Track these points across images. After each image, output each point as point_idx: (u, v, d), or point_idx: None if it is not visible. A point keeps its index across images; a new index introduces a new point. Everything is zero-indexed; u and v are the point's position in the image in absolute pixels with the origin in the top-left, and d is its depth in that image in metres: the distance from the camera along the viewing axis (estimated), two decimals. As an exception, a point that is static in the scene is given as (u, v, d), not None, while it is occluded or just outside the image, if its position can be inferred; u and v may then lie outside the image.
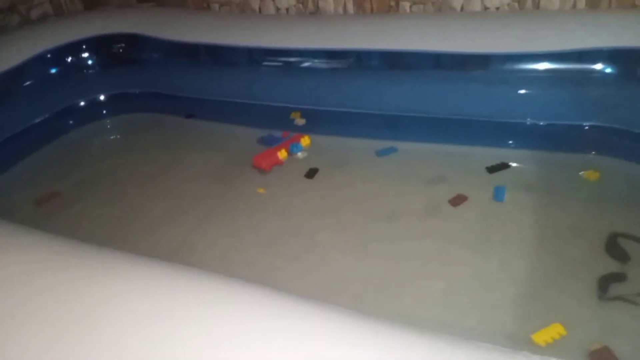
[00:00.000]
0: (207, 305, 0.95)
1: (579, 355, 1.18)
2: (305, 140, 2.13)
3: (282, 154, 2.06)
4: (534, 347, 1.21)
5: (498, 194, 1.73)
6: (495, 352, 0.82)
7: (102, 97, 2.74)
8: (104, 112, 2.71)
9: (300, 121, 2.34)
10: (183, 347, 0.87)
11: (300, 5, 2.55)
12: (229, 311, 0.93)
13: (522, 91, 2.02)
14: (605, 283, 1.36)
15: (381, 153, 2.04)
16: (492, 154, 1.93)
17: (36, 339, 0.93)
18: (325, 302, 0.96)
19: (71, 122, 2.62)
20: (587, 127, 1.96)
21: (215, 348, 0.87)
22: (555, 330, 1.24)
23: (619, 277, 1.38)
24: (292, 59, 2.35)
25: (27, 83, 2.49)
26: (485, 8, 2.23)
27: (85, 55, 2.66)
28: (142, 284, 1.03)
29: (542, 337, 1.23)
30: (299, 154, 2.08)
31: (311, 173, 1.98)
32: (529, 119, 2.03)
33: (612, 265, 1.42)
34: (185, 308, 0.95)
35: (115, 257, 1.13)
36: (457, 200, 1.74)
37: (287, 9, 2.59)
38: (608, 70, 1.90)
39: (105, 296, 1.00)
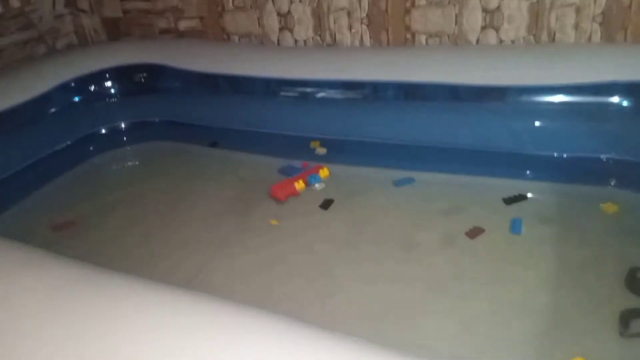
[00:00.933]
0: (227, 335, 0.95)
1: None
2: (324, 172, 2.13)
3: (299, 185, 2.07)
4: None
5: (515, 227, 1.73)
6: None
7: (123, 125, 2.79)
8: (125, 139, 2.77)
9: (321, 150, 2.36)
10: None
11: (318, 38, 2.60)
12: (251, 341, 0.93)
13: (539, 123, 2.03)
14: (626, 319, 1.34)
15: (399, 183, 2.05)
16: (509, 186, 1.93)
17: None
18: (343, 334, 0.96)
19: (92, 149, 2.68)
20: (604, 160, 1.96)
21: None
22: None
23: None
24: (310, 90, 2.39)
25: (51, 111, 2.56)
26: (501, 41, 2.26)
27: (108, 84, 2.73)
28: (159, 311, 1.04)
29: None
30: (317, 185, 2.08)
31: (326, 204, 1.98)
32: (546, 151, 2.03)
33: (632, 300, 1.40)
34: (204, 338, 0.95)
35: (134, 283, 1.14)
36: (474, 233, 1.73)
37: (305, 41, 2.64)
38: (625, 103, 1.91)
39: (122, 322, 1.01)
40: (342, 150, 2.35)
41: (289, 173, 2.17)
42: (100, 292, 1.09)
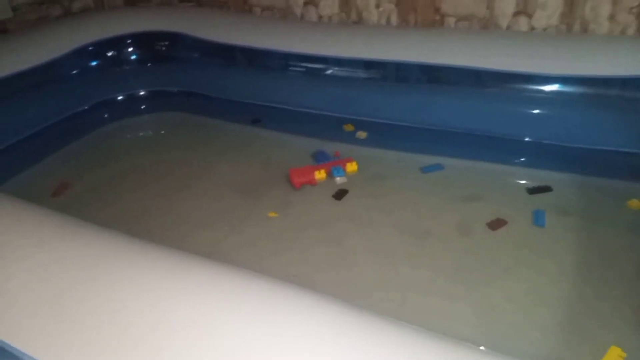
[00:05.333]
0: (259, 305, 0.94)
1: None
2: (351, 166, 1.99)
3: (319, 174, 1.95)
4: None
5: (538, 218, 1.71)
6: None
7: (140, 93, 2.75)
8: (142, 107, 2.73)
9: (362, 135, 2.26)
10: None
11: (344, 14, 2.54)
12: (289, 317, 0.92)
13: (569, 114, 2.00)
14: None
15: (426, 170, 2.01)
16: (534, 176, 1.92)
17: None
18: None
19: (106, 115, 2.65)
20: (633, 155, 1.93)
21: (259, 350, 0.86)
22: (615, 353, 1.22)
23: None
24: (337, 68, 2.35)
25: (67, 75, 2.52)
26: (532, 28, 2.21)
27: (126, 50, 2.68)
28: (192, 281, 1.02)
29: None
30: (338, 179, 1.96)
31: (340, 194, 1.90)
32: (574, 143, 2.00)
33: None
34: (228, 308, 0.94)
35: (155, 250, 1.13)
36: (496, 224, 1.71)
37: (329, 17, 2.59)
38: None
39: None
40: (374, 133, 2.28)
41: (319, 159, 2.09)
42: (135, 262, 1.07)
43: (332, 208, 1.85)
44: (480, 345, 1.24)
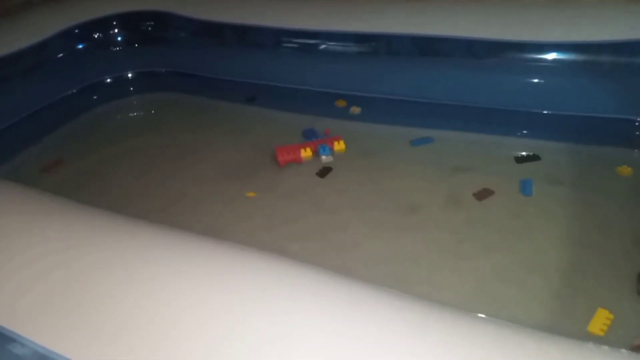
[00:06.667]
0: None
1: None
2: (339, 145, 1.97)
3: (305, 152, 1.94)
4: (593, 338, 1.20)
5: (525, 187, 1.70)
6: (566, 343, 0.79)
7: (129, 75, 2.73)
8: (131, 89, 2.71)
9: (356, 110, 2.24)
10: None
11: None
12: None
13: (557, 81, 1.97)
14: (642, 280, 1.33)
15: (416, 143, 2.00)
16: (524, 145, 1.91)
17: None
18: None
19: (96, 98, 2.63)
20: (622, 121, 1.91)
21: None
22: (603, 315, 1.24)
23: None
24: (322, 42, 2.31)
25: (54, 58, 2.50)
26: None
27: (113, 32, 2.65)
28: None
29: (596, 326, 1.22)
30: (324, 157, 1.93)
31: (324, 172, 1.89)
32: (562, 111, 1.98)
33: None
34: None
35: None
36: (484, 194, 1.71)
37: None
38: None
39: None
40: (365, 108, 2.26)
41: (308, 137, 2.07)
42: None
43: (316, 186, 1.85)
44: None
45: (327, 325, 0.82)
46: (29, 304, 0.94)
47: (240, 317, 0.85)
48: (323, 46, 2.32)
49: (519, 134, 2.02)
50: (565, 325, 1.26)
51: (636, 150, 1.83)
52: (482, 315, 0.95)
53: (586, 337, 1.21)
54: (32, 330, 0.89)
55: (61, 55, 2.51)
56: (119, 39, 2.67)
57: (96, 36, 2.62)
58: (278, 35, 2.40)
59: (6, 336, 0.89)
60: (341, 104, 2.30)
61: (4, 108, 2.28)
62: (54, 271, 1.00)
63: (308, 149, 1.95)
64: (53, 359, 0.83)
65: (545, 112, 2.01)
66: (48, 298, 0.95)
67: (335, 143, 1.98)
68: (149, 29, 2.67)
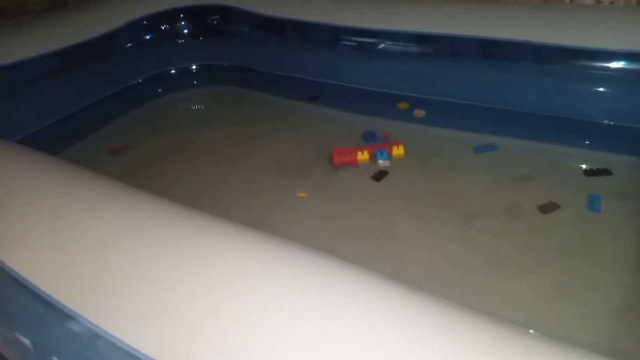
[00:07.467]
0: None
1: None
2: (398, 150, 1.91)
3: (362, 155, 1.90)
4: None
5: (594, 203, 1.61)
6: None
7: (192, 67, 2.78)
8: (194, 82, 2.77)
9: (420, 113, 2.20)
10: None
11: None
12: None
13: (631, 92, 1.86)
14: None
15: (479, 150, 1.94)
16: (594, 157, 1.82)
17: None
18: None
19: (160, 89, 2.70)
20: None
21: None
22: None
23: None
24: (385, 42, 2.28)
25: (122, 48, 2.57)
26: (598, 2, 2.06)
27: (179, 24, 2.71)
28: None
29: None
30: (380, 162, 1.89)
31: (379, 176, 1.84)
32: (636, 123, 1.87)
33: None
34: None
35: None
36: (549, 207, 1.63)
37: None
38: None
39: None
40: (429, 111, 2.21)
41: (368, 139, 2.03)
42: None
43: (370, 188, 1.81)
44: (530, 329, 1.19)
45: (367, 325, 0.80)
46: (86, 283, 0.97)
47: (284, 314, 0.84)
48: (386, 46, 2.29)
49: (589, 146, 1.93)
50: (626, 347, 1.19)
51: None
52: (532, 331, 0.89)
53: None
54: (87, 309, 0.91)
55: (129, 45, 2.59)
56: (185, 31, 2.73)
57: (163, 28, 2.69)
58: (341, 33, 2.38)
59: (65, 314, 0.91)
60: (403, 106, 2.26)
61: (75, 93, 2.37)
62: (109, 251, 1.02)
63: (365, 152, 1.92)
64: (106, 338, 0.85)
65: (617, 124, 1.91)
66: (102, 277, 0.97)
67: (394, 148, 1.93)
68: (214, 22, 2.72)
